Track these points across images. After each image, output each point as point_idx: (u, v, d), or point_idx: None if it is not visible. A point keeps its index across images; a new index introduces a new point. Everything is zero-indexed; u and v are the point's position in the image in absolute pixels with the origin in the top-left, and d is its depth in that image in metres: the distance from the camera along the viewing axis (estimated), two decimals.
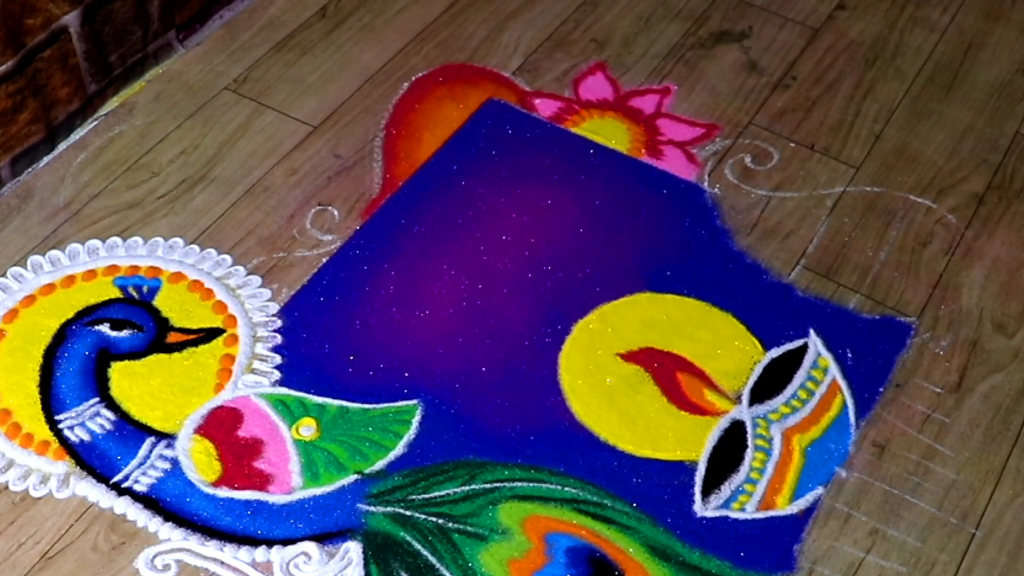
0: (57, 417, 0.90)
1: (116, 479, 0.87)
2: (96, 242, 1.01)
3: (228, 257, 1.01)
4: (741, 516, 0.86)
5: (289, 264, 1.01)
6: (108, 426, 0.89)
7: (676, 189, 1.08)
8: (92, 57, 1.09)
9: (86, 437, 0.89)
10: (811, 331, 0.97)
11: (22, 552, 0.84)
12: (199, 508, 0.85)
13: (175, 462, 0.88)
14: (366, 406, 0.91)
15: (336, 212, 1.05)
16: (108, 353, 0.94)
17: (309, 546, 0.84)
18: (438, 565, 0.83)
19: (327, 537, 0.84)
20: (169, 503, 0.86)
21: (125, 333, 0.95)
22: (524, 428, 0.91)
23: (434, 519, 0.85)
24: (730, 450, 0.90)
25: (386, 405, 0.92)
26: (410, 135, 1.12)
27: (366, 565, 0.83)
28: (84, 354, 0.93)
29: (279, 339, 0.95)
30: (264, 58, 1.19)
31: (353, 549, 0.84)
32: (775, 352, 0.96)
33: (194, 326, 0.96)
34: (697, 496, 0.87)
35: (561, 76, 1.18)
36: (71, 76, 1.08)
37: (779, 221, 1.06)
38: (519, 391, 0.93)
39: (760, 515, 0.87)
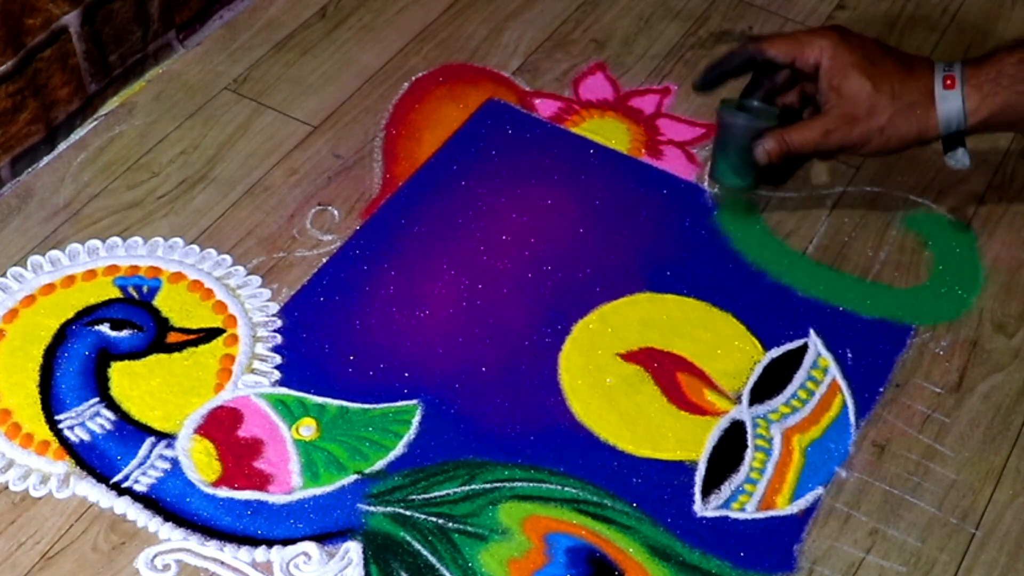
0: (57, 417, 0.90)
1: (116, 479, 0.87)
2: (96, 242, 1.01)
3: (228, 257, 1.01)
4: (741, 516, 0.86)
5: (289, 264, 1.01)
6: (108, 426, 0.89)
7: (676, 189, 1.08)
8: (92, 57, 1.09)
9: (86, 437, 0.89)
10: (811, 331, 0.97)
11: (22, 552, 0.84)
12: (199, 508, 0.85)
13: (175, 462, 0.88)
14: (366, 406, 0.91)
15: (336, 212, 1.05)
16: (108, 353, 0.94)
17: (309, 546, 0.84)
18: (438, 565, 0.83)
19: (327, 537, 0.84)
20: (169, 503, 0.86)
21: (125, 333, 0.95)
22: (524, 428, 0.91)
23: (434, 519, 0.85)
24: (730, 450, 0.90)
25: (386, 405, 0.92)
26: (410, 135, 1.12)
27: (366, 565, 0.83)
28: (84, 354, 0.93)
29: (279, 339, 0.95)
30: (264, 58, 1.19)
31: (353, 549, 0.84)
32: (775, 352, 0.96)
33: (194, 326, 0.96)
34: (697, 496, 0.87)
35: (561, 76, 1.18)
36: (71, 76, 1.08)
37: (779, 221, 1.06)
38: (519, 391, 0.93)
39: (760, 515, 0.87)
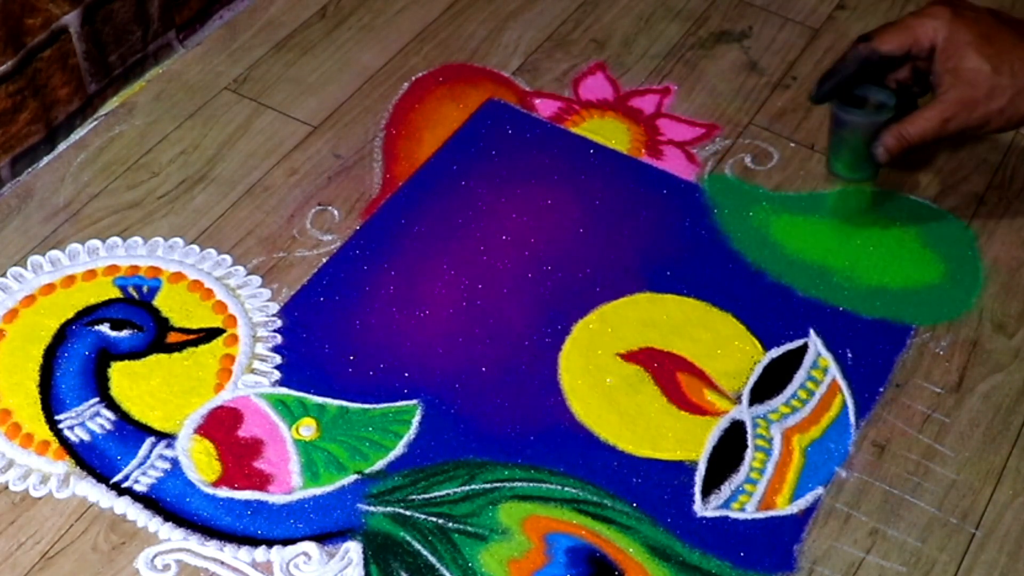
0: (57, 417, 0.90)
1: (116, 479, 0.87)
2: (96, 242, 1.01)
3: (228, 257, 1.01)
4: (741, 516, 0.86)
5: (289, 264, 1.01)
6: (108, 426, 0.89)
7: (676, 189, 1.08)
8: (92, 57, 1.09)
9: (86, 437, 0.89)
10: (811, 331, 0.97)
11: (22, 552, 0.84)
12: (199, 508, 0.86)
13: (175, 462, 0.88)
14: (366, 406, 0.91)
15: (336, 212, 1.05)
16: (108, 353, 0.94)
17: (309, 546, 0.84)
18: (438, 565, 0.83)
19: (327, 537, 0.84)
20: (169, 503, 0.86)
21: (125, 333, 0.95)
22: (524, 428, 0.91)
23: (434, 519, 0.85)
24: (730, 450, 0.90)
25: (386, 405, 0.92)
26: (410, 135, 1.12)
27: (366, 565, 0.83)
28: (84, 354, 0.93)
29: (279, 339, 0.95)
30: (264, 58, 1.19)
31: (353, 549, 0.84)
32: (775, 352, 0.96)
33: (194, 326, 0.96)
34: (697, 496, 0.87)
35: (561, 76, 1.18)
36: (71, 76, 1.08)
37: (780, 220, 1.06)
38: (519, 391, 0.93)
39: (760, 515, 0.87)
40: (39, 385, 0.91)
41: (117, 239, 1.02)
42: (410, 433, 0.90)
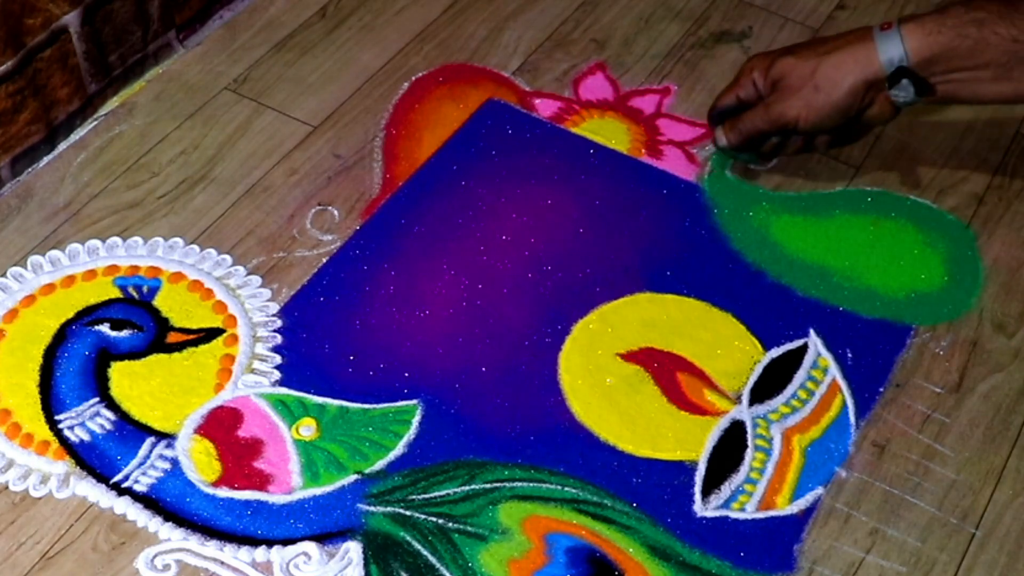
0: (57, 417, 0.90)
1: (116, 479, 0.87)
2: (96, 242, 1.01)
3: (228, 257, 1.01)
4: (741, 516, 0.86)
5: (289, 264, 1.01)
6: (108, 426, 0.89)
7: (676, 189, 1.08)
8: (92, 57, 1.09)
9: (86, 437, 0.89)
10: (811, 331, 0.97)
11: (22, 552, 0.84)
12: (199, 508, 0.85)
13: (175, 462, 0.88)
14: (366, 406, 0.91)
15: (336, 212, 1.05)
16: (108, 353, 0.94)
17: (309, 546, 0.84)
18: (438, 565, 0.83)
19: (327, 537, 0.84)
20: (169, 503, 0.86)
21: (125, 333, 0.95)
22: (524, 428, 0.91)
23: (434, 519, 0.85)
24: (730, 450, 0.90)
25: (386, 405, 0.92)
26: (410, 135, 1.12)
27: (366, 565, 0.83)
28: (84, 354, 0.93)
29: (279, 339, 0.95)
30: (264, 58, 1.19)
31: (353, 549, 0.84)
32: (775, 352, 0.96)
33: (194, 326, 0.96)
34: (697, 496, 0.87)
35: (561, 76, 1.18)
36: (71, 76, 1.08)
37: (780, 220, 1.06)
38: (519, 391, 0.93)
39: (760, 515, 0.87)
40: (39, 385, 0.91)
41: (117, 239, 1.02)
42: (410, 433, 0.90)
